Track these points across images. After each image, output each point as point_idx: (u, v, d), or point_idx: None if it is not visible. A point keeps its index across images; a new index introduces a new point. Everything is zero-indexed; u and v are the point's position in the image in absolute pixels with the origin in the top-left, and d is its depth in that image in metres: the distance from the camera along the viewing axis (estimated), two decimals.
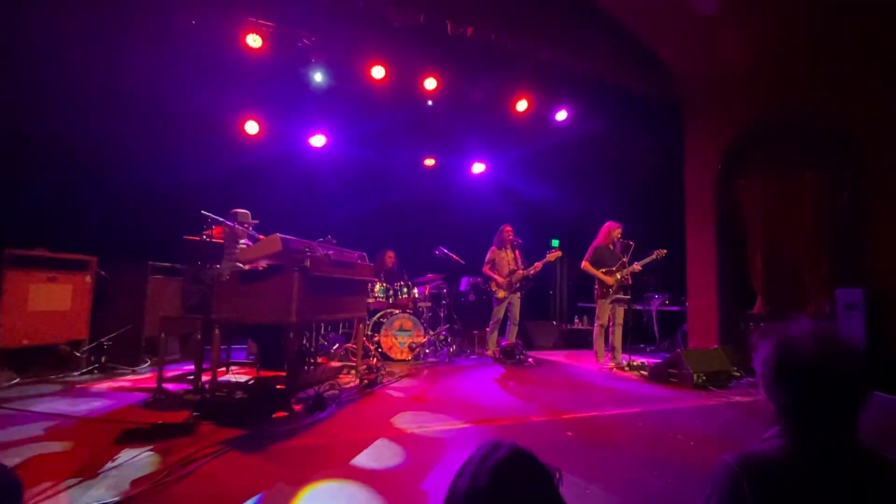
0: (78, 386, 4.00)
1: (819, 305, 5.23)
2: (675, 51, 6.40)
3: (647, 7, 5.93)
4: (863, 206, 4.96)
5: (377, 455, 2.66)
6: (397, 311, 5.96)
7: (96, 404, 3.45)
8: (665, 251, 5.65)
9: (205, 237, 4.05)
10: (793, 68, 5.48)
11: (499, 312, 6.32)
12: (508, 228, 6.41)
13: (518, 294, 6.37)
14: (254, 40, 5.48)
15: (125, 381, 4.27)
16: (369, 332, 5.78)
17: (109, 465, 2.34)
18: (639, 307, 7.12)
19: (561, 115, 7.37)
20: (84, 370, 4.47)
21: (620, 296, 5.77)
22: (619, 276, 5.69)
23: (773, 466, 0.97)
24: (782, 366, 1.01)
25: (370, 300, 5.94)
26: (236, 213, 4.46)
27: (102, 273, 4.94)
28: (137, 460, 2.40)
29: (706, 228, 6.34)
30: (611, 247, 5.87)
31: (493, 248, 6.44)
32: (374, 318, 5.91)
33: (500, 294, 6.28)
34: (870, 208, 4.91)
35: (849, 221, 5.06)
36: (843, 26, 5.03)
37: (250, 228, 4.47)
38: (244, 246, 4.26)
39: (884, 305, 4.58)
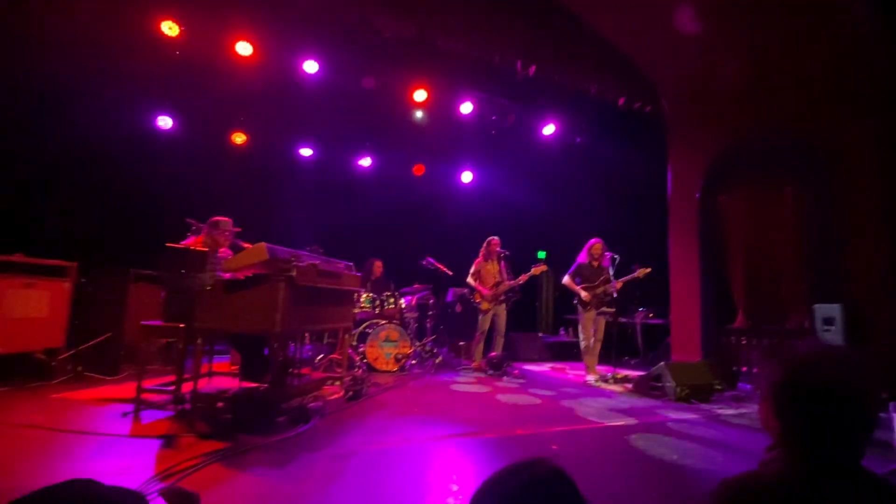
0: (53, 396, 3.89)
1: (799, 320, 5.33)
2: (660, 68, 6.54)
3: (633, 26, 6.06)
4: (842, 222, 5.08)
5: (359, 468, 2.63)
6: (384, 322, 5.91)
7: (71, 415, 3.36)
8: (649, 269, 5.70)
9: (187, 245, 3.99)
10: (774, 86, 5.61)
11: (484, 324, 6.31)
12: (496, 241, 6.42)
13: (503, 305, 6.38)
14: (244, 47, 5.52)
15: (103, 390, 4.16)
16: (355, 343, 5.73)
17: None
18: (623, 320, 7.17)
19: (548, 129, 7.55)
20: (60, 379, 4.35)
21: (605, 309, 5.84)
22: (597, 292, 5.76)
23: (774, 493, 0.93)
24: (796, 388, 0.96)
25: (356, 310, 5.90)
26: (217, 220, 4.39)
27: (82, 280, 4.82)
28: None
29: (689, 243, 6.43)
30: (594, 263, 5.93)
31: (479, 259, 6.44)
32: (361, 329, 5.86)
33: (484, 306, 6.28)
34: (849, 224, 5.03)
35: (828, 237, 5.17)
36: (819, 46, 5.19)
37: (232, 237, 4.41)
38: (227, 254, 4.19)
39: (862, 321, 4.67)
